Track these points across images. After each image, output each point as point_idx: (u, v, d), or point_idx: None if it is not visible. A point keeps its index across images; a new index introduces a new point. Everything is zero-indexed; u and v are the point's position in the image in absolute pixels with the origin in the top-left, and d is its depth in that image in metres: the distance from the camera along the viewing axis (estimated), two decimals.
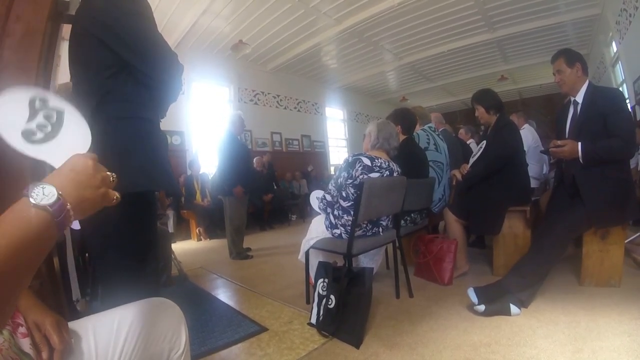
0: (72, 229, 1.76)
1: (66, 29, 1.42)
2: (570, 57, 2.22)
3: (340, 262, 2.08)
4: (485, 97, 2.75)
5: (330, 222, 2.22)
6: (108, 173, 0.57)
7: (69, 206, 0.47)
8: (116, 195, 0.58)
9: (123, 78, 1.19)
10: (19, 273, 0.42)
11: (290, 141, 9.09)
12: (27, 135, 0.55)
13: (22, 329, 0.67)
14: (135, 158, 1.17)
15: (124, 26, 1.14)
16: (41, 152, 0.56)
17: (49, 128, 0.57)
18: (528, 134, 4.01)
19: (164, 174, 1.26)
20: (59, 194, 0.47)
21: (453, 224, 2.72)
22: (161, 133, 1.31)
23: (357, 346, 1.71)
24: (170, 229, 5.20)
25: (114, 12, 1.14)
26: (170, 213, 5.36)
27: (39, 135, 0.56)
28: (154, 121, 1.28)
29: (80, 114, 0.61)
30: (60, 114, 0.58)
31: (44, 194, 0.46)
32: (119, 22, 1.14)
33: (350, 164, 2.13)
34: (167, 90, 1.27)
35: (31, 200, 0.45)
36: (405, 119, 2.86)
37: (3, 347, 0.60)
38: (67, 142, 0.58)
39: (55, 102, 0.58)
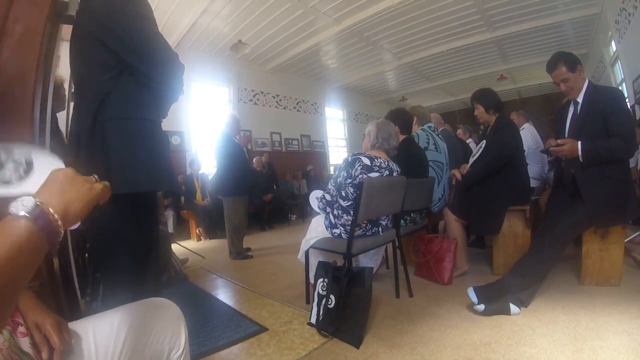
0: (72, 229, 1.76)
1: (65, 30, 1.42)
2: (570, 61, 2.17)
3: (340, 261, 2.08)
4: (485, 97, 2.74)
5: (330, 222, 2.22)
6: (90, 177, 0.59)
7: (51, 210, 0.50)
8: (104, 184, 0.60)
9: (124, 79, 1.19)
10: (12, 281, 0.44)
11: (290, 141, 9.09)
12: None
13: (21, 328, 0.67)
14: (137, 158, 1.17)
15: (124, 27, 1.14)
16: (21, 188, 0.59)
17: (22, 170, 0.61)
18: (528, 134, 4.00)
19: (166, 174, 1.26)
20: (36, 201, 0.49)
21: (453, 224, 2.73)
22: (163, 133, 1.31)
23: (357, 346, 1.71)
24: (170, 229, 5.19)
25: (114, 13, 1.14)
26: (170, 213, 5.36)
27: (14, 177, 0.60)
28: (156, 121, 1.28)
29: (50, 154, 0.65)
30: (29, 163, 0.62)
31: (22, 205, 0.48)
32: (120, 24, 1.14)
33: (350, 164, 2.13)
34: (168, 90, 1.27)
35: (10, 212, 0.47)
36: (402, 119, 2.85)
37: (3, 347, 0.60)
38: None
39: (20, 154, 0.62)
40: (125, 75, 1.19)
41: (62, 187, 0.54)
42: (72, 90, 1.54)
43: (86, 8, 1.21)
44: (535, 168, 3.80)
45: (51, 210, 0.50)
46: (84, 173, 0.58)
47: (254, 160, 6.81)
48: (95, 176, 0.60)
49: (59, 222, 0.50)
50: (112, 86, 1.17)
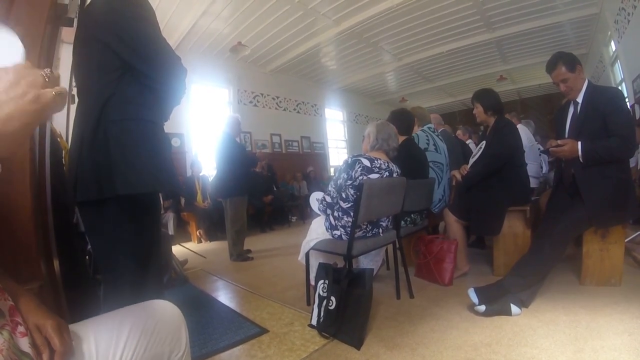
0: (76, 229, 1.77)
1: (65, 32, 1.43)
2: (569, 61, 2.17)
3: (340, 263, 2.08)
4: (485, 97, 2.74)
5: (330, 224, 2.22)
6: (41, 73, 0.45)
7: None
8: (57, 90, 0.46)
9: (127, 81, 1.19)
10: None
11: (290, 142, 9.10)
12: None
13: (21, 328, 0.67)
14: (139, 159, 1.17)
15: (127, 30, 1.15)
16: None
17: None
18: (522, 134, 4.00)
19: (167, 175, 1.26)
20: None
21: (453, 225, 2.72)
22: (164, 135, 1.31)
23: (358, 347, 1.70)
24: (171, 231, 5.19)
25: (117, 16, 1.15)
26: (171, 215, 5.36)
27: None
28: (158, 123, 1.28)
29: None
30: None
31: None
32: (122, 26, 1.14)
33: (350, 165, 2.13)
34: (171, 93, 1.27)
35: None
36: (401, 119, 2.84)
37: (3, 348, 0.60)
38: None
39: None
40: (128, 77, 1.19)
41: None
42: (73, 92, 1.55)
43: (88, 10, 1.22)
44: (532, 166, 3.80)
45: None
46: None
47: None
48: (47, 72, 0.45)
49: None
50: (114, 88, 1.17)
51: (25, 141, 0.42)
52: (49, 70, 0.45)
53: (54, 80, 0.46)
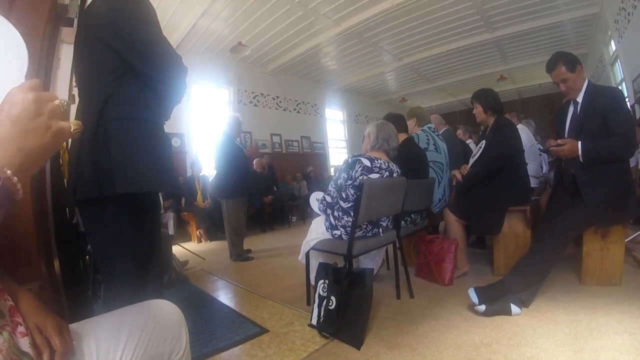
0: (76, 230, 1.77)
1: (65, 32, 1.43)
2: (569, 61, 2.17)
3: (340, 263, 2.08)
4: (485, 97, 2.75)
5: (331, 223, 2.22)
6: (56, 102, 0.45)
7: (9, 173, 0.38)
8: (73, 125, 0.46)
9: (128, 81, 1.19)
10: None
11: (290, 142, 9.10)
12: None
13: (21, 328, 0.67)
14: (139, 159, 1.17)
15: (128, 29, 1.14)
16: None
17: None
18: (522, 134, 4.01)
19: (167, 175, 1.26)
20: None
21: (453, 224, 2.72)
22: (165, 135, 1.31)
23: (358, 347, 1.70)
24: (171, 230, 5.19)
25: (118, 15, 1.15)
26: (171, 215, 5.36)
27: None
28: (158, 123, 1.28)
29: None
30: None
31: None
32: (123, 26, 1.14)
33: (350, 165, 2.13)
34: (171, 92, 1.27)
35: None
36: (395, 121, 2.84)
37: (3, 348, 0.60)
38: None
39: None
40: (129, 77, 1.19)
41: (21, 129, 0.39)
42: (74, 92, 1.55)
43: (88, 10, 1.22)
44: (532, 166, 3.80)
45: (9, 172, 0.36)
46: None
47: (254, 161, 6.81)
48: (64, 101, 0.45)
49: (18, 187, 0.38)
50: (115, 87, 1.17)
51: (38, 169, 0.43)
52: (64, 100, 0.45)
53: (67, 111, 0.46)
